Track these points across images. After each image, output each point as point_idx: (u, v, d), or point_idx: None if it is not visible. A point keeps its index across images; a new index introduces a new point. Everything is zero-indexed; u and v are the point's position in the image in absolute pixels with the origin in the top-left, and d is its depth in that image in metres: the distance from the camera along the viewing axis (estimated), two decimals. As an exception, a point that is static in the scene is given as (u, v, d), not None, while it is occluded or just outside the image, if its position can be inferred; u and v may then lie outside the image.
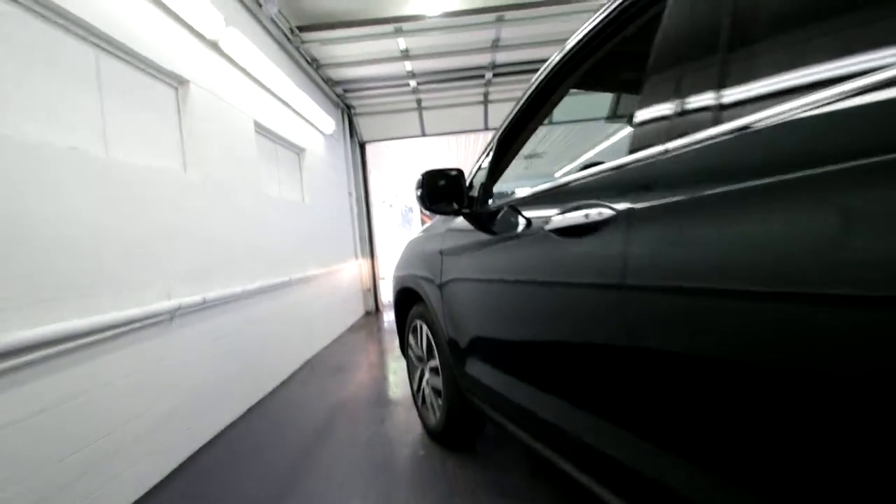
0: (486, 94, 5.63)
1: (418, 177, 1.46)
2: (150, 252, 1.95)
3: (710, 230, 0.64)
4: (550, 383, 1.08)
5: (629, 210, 0.79)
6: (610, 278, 0.81)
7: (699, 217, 0.66)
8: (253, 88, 3.18)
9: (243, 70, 3.03)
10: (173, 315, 2.02)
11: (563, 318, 0.99)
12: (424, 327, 2.01)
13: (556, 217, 1.01)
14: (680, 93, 0.76)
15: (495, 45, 4.36)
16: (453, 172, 1.50)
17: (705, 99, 0.71)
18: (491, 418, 1.48)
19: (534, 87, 1.30)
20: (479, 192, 1.51)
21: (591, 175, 0.94)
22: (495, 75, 5.07)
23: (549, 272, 1.02)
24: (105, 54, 1.91)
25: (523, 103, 1.35)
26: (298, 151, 4.14)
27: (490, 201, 1.50)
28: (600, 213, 0.85)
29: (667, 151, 0.76)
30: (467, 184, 1.54)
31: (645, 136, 0.81)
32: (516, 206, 1.28)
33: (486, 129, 5.94)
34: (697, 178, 0.69)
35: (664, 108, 0.79)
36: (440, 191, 1.47)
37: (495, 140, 1.47)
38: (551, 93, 1.33)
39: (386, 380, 3.16)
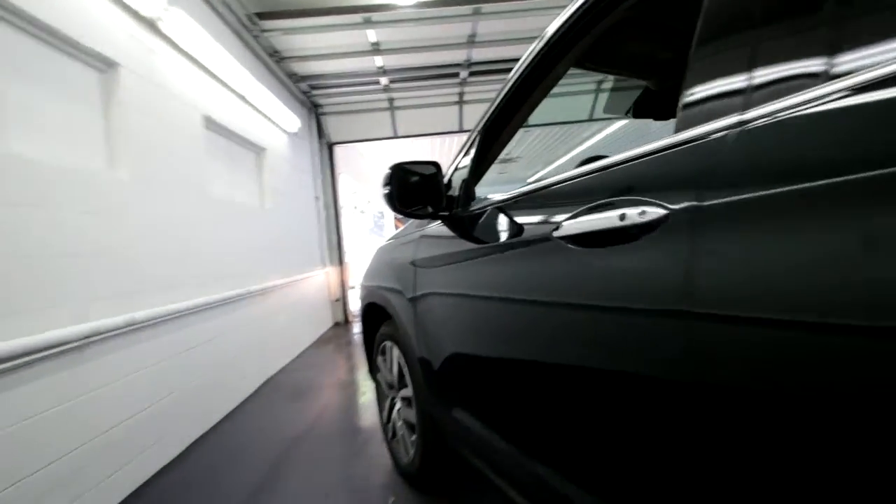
0: (461, 95, 5.40)
1: (386, 171, 1.19)
2: (60, 266, 1.60)
3: (827, 235, 0.40)
4: (560, 433, 0.82)
5: (692, 209, 0.54)
6: (664, 302, 0.55)
7: (805, 216, 0.42)
8: (203, 79, 2.83)
9: (190, 57, 2.68)
10: (88, 341, 1.67)
11: (586, 351, 0.73)
12: (395, 349, 1.72)
13: (570, 221, 0.75)
14: (761, 48, 0.52)
15: (471, 41, 4.13)
16: (429, 168, 1.23)
17: (804, 51, 0.47)
18: (473, 465, 1.21)
19: (526, 64, 1.05)
20: (459, 192, 1.25)
21: (620, 163, 0.68)
22: (471, 74, 4.84)
23: (561, 291, 0.76)
24: (6, 25, 1.56)
25: (513, 84, 1.10)
26: (258, 151, 3.79)
27: (473, 202, 1.23)
28: (643, 214, 0.59)
29: (742, 123, 0.51)
30: (445, 181, 1.27)
31: (711, 108, 0.56)
32: (508, 208, 1.02)
33: (462, 130, 5.71)
34: (801, 157, 0.44)
35: (735, 68, 0.54)
36: (413, 189, 1.20)
37: (479, 130, 1.21)
38: (547, 71, 1.08)
39: (353, 403, 2.85)
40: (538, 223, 0.86)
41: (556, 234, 0.77)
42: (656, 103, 1.50)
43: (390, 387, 1.85)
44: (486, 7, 3.52)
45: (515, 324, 0.91)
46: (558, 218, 0.78)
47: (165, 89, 2.41)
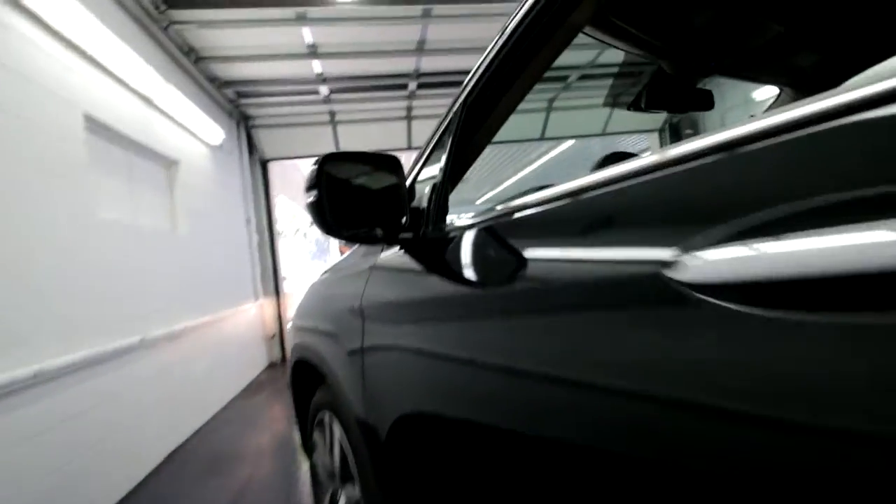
0: (409, 109, 5.04)
1: (311, 166, 0.73)
2: None
3: None
4: None
5: None
6: None
7: None
8: (86, 71, 2.24)
9: (66, 41, 2.09)
10: None
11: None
12: (336, 426, 1.23)
13: (712, 251, 0.32)
14: None
15: (420, 48, 3.78)
16: (385, 166, 0.79)
17: None
18: None
19: (524, 12, 0.67)
20: (429, 203, 0.82)
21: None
22: (420, 86, 4.49)
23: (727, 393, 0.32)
24: None
25: (510, 36, 0.70)
26: (167, 164, 3.16)
27: (448, 218, 0.81)
28: None
29: None
30: (407, 185, 0.84)
31: None
32: (522, 227, 0.60)
33: (410, 148, 5.32)
34: None
35: None
36: (356, 197, 0.75)
37: (458, 107, 0.80)
38: (553, 29, 0.70)
39: (289, 473, 2.28)
40: (608, 260, 0.44)
41: (675, 277, 0.34)
42: (674, 90, 1.16)
43: (329, 476, 1.34)
44: (437, 8, 3.19)
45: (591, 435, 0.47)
46: (666, 250, 0.36)
47: (25, 77, 1.82)
